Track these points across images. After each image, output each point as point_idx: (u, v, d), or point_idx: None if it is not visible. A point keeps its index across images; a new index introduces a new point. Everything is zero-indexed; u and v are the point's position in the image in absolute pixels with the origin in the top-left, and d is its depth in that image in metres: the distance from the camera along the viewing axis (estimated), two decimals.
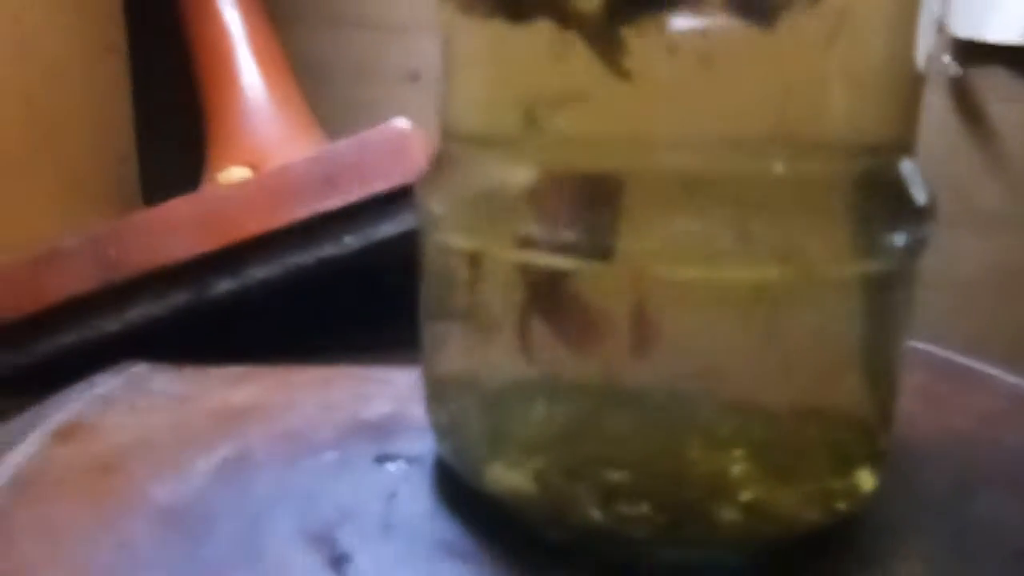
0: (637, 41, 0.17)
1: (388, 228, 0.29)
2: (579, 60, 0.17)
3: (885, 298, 0.18)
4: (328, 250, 0.29)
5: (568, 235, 0.16)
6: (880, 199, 0.17)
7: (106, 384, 0.27)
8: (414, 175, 0.29)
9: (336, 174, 0.29)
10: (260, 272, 0.29)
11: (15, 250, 0.37)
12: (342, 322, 0.32)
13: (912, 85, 0.19)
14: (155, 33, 0.44)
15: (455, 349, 0.20)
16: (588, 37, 0.17)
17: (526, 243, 0.16)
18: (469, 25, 0.20)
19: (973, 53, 0.54)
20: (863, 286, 0.17)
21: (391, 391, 0.28)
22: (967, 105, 0.57)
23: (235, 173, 0.38)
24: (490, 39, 0.19)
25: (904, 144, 0.19)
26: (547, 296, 0.17)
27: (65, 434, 0.24)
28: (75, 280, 0.29)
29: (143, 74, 0.44)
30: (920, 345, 0.37)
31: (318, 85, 0.48)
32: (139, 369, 0.28)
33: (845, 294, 0.17)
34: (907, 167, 0.19)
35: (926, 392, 0.31)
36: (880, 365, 0.20)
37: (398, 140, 0.29)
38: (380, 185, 0.29)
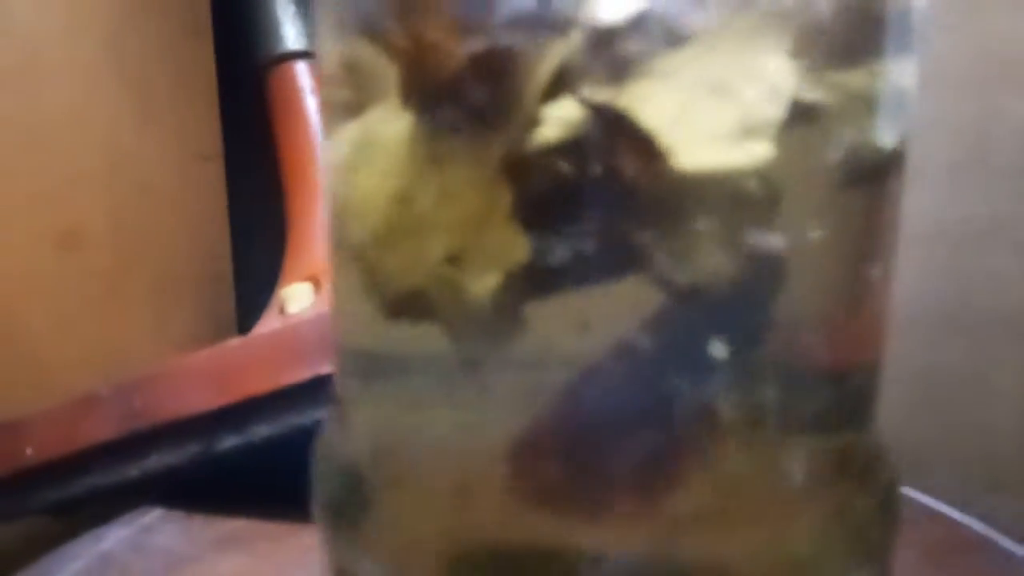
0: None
1: None
2: None
3: None
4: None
5: None
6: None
7: (114, 536, 0.29)
8: None
9: None
10: (264, 430, 0.29)
11: (107, 356, 0.40)
12: None
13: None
14: (252, 140, 0.46)
15: None
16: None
17: None
18: None
19: None
20: None
21: None
22: None
23: (296, 290, 0.38)
24: None
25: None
26: None
27: None
28: (104, 427, 0.30)
29: (240, 179, 0.46)
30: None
31: None
32: (150, 518, 0.30)
33: None
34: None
35: None
36: None
37: None
38: None
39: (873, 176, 0.15)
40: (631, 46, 0.14)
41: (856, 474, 0.16)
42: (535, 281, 0.15)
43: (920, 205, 0.41)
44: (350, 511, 0.16)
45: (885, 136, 0.16)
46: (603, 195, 0.15)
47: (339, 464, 0.17)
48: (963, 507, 0.33)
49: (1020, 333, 0.41)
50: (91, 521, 0.31)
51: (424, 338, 0.15)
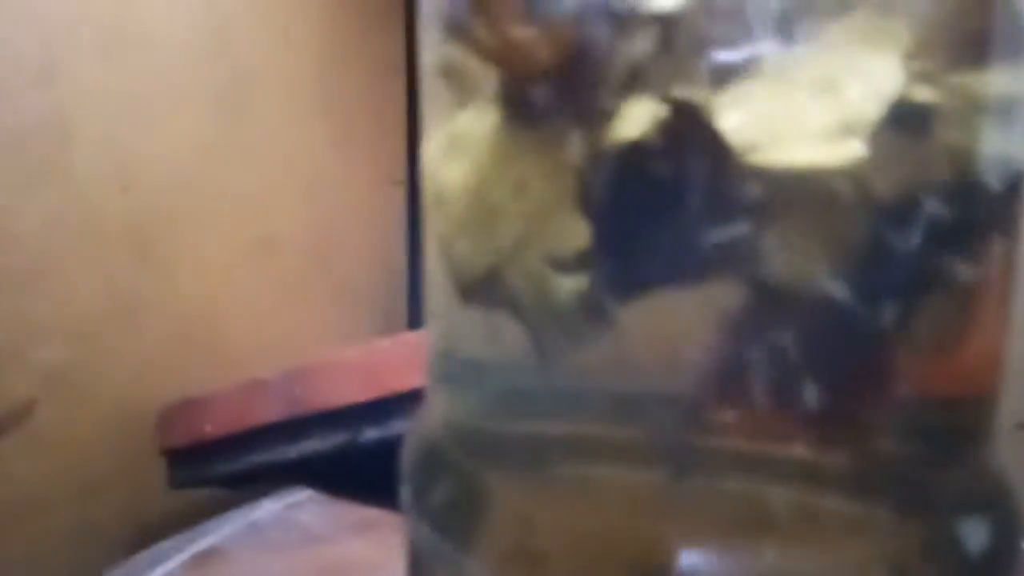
0: None
1: None
2: None
3: None
4: None
5: None
6: None
7: (266, 508, 0.31)
8: None
9: None
10: (404, 425, 0.31)
11: (292, 350, 0.44)
12: None
13: None
14: None
15: None
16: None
17: None
18: None
19: None
20: None
21: None
22: None
23: None
24: None
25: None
26: None
27: (202, 560, 0.28)
28: (270, 409, 0.33)
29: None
30: None
31: None
32: (300, 497, 0.32)
33: None
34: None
35: None
36: None
37: None
38: None
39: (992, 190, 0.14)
40: (725, 41, 0.14)
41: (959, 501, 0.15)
42: (618, 278, 0.16)
43: None
44: (426, 479, 0.17)
45: (1005, 146, 0.14)
46: (685, 193, 0.15)
47: (421, 437, 0.18)
48: None
49: None
50: (253, 497, 0.34)
51: (498, 328, 0.16)
